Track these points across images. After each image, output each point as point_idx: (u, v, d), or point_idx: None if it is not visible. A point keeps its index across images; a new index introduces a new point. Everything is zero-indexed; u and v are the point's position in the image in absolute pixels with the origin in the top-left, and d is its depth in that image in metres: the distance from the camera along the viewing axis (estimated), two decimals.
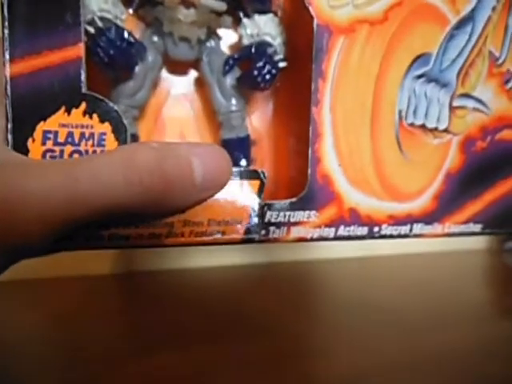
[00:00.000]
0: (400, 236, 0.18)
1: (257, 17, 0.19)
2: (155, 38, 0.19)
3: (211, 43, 0.19)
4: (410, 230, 0.19)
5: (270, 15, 0.19)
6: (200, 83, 0.20)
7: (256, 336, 0.24)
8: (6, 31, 0.14)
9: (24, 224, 0.12)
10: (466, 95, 0.19)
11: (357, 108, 0.17)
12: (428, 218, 0.19)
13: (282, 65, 0.19)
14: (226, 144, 0.20)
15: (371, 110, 0.17)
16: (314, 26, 0.16)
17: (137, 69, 0.18)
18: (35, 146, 0.14)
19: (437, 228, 0.19)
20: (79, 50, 0.14)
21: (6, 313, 0.27)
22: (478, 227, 0.20)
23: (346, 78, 0.17)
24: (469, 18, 0.18)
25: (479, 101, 0.19)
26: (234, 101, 0.19)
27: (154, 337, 0.24)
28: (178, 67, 0.20)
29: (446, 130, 0.19)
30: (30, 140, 0.14)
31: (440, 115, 0.18)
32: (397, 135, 0.18)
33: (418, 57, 0.18)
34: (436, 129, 0.19)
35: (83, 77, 0.14)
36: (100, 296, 0.30)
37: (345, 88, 0.17)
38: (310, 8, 0.16)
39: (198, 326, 0.25)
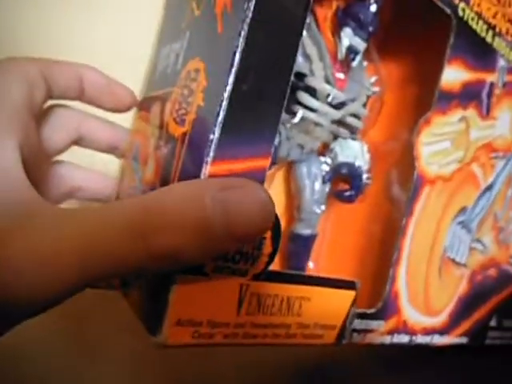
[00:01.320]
0: (425, 345, 0.23)
1: (350, 141, 0.23)
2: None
3: (313, 156, 0.22)
4: (431, 339, 0.23)
5: (361, 143, 0.23)
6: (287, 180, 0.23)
7: None
8: (216, 134, 0.14)
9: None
10: (479, 240, 0.25)
11: (424, 240, 0.22)
12: (442, 330, 0.24)
13: (368, 182, 0.22)
14: (298, 237, 0.22)
15: (432, 243, 0.22)
16: (415, 175, 0.21)
17: None
18: None
19: (445, 339, 0.24)
20: (267, 161, 0.15)
21: None
22: (465, 339, 0.25)
23: (424, 218, 0.21)
24: (491, 186, 0.25)
25: (484, 245, 0.25)
26: (318, 208, 0.22)
27: None
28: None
29: (464, 265, 0.24)
30: None
31: (464, 252, 0.24)
32: (440, 264, 0.23)
33: (462, 208, 0.23)
34: (459, 263, 0.24)
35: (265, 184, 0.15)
36: None
37: (420, 226, 0.21)
38: (416, 163, 0.20)
39: None
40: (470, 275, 0.25)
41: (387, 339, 0.21)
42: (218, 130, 0.14)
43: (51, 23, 0.26)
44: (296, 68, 0.18)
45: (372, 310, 0.20)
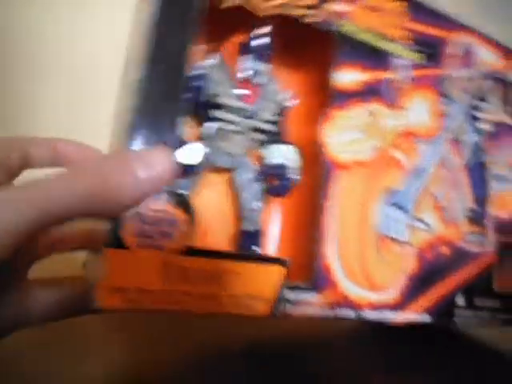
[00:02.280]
0: (379, 321, 0.24)
1: (279, 145, 0.26)
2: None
3: (245, 160, 0.26)
4: (383, 315, 0.25)
5: (288, 145, 0.27)
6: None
7: None
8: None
9: None
10: (419, 219, 0.27)
11: (350, 220, 0.24)
12: (394, 306, 0.25)
13: (297, 178, 0.26)
14: (245, 234, 0.26)
15: (359, 223, 0.25)
16: (324, 161, 0.24)
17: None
18: None
19: (400, 315, 0.25)
20: None
21: None
22: (428, 317, 0.26)
23: (344, 199, 0.24)
24: (420, 169, 0.27)
25: (427, 224, 0.27)
26: (256, 205, 0.26)
27: None
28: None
29: (407, 243, 0.26)
30: None
31: (404, 231, 0.26)
32: (376, 242, 0.25)
33: (390, 191, 0.26)
34: (401, 241, 0.26)
35: None
36: None
37: (342, 207, 0.24)
38: (323, 149, 0.24)
39: None
40: (418, 253, 0.27)
41: (329, 312, 0.23)
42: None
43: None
44: (210, 90, 0.23)
45: (303, 283, 0.22)
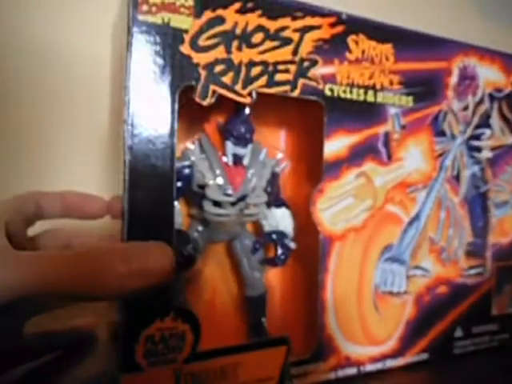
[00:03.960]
0: (377, 371, 0.26)
1: (274, 210, 0.27)
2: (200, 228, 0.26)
3: (242, 231, 0.26)
4: (383, 365, 0.27)
5: (284, 209, 0.27)
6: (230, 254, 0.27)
7: None
8: None
9: None
10: (417, 267, 0.28)
11: (348, 287, 0.25)
12: (394, 354, 0.27)
13: (292, 246, 0.26)
14: (250, 299, 0.27)
15: (357, 287, 0.25)
16: (321, 237, 0.24)
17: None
18: None
19: (400, 361, 0.27)
20: None
21: None
22: (425, 355, 0.28)
23: (341, 269, 0.25)
24: (417, 216, 0.27)
25: (424, 269, 0.28)
26: (258, 273, 0.26)
27: None
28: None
29: (405, 292, 0.27)
30: None
31: (401, 282, 0.27)
32: (374, 300, 0.26)
33: (385, 247, 0.26)
34: (399, 292, 0.27)
35: None
36: None
37: (340, 276, 0.25)
38: (319, 228, 0.24)
39: None
40: (414, 299, 0.28)
41: (331, 375, 0.25)
42: None
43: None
44: (198, 182, 0.23)
45: (307, 356, 0.24)
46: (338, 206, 0.25)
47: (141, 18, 0.19)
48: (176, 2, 0.20)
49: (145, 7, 0.20)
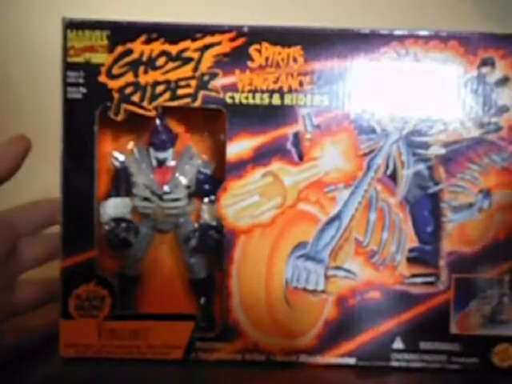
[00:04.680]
0: (289, 363, 0.27)
1: (209, 205, 0.30)
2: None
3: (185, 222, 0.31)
4: (297, 358, 0.27)
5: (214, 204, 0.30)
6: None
7: None
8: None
9: None
10: (338, 267, 0.27)
11: (254, 278, 0.27)
12: (310, 351, 0.27)
13: (216, 237, 0.29)
14: (191, 281, 0.31)
15: (265, 279, 0.27)
16: (224, 231, 0.27)
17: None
18: None
19: (318, 359, 0.27)
20: None
21: None
22: (352, 360, 0.27)
23: (247, 261, 0.27)
24: (336, 217, 0.27)
25: (348, 271, 0.27)
26: (193, 259, 0.31)
27: None
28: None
29: (323, 291, 0.27)
30: None
31: (318, 281, 0.27)
32: (285, 294, 0.27)
33: (299, 244, 0.27)
34: (315, 290, 0.27)
35: None
36: None
37: (247, 267, 0.27)
38: (223, 222, 0.27)
39: None
40: (336, 300, 0.27)
41: (238, 356, 0.27)
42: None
43: None
44: (132, 181, 0.29)
45: (211, 335, 0.27)
46: (243, 203, 0.27)
47: (69, 60, 0.27)
48: (94, 44, 0.27)
49: (72, 51, 0.27)
